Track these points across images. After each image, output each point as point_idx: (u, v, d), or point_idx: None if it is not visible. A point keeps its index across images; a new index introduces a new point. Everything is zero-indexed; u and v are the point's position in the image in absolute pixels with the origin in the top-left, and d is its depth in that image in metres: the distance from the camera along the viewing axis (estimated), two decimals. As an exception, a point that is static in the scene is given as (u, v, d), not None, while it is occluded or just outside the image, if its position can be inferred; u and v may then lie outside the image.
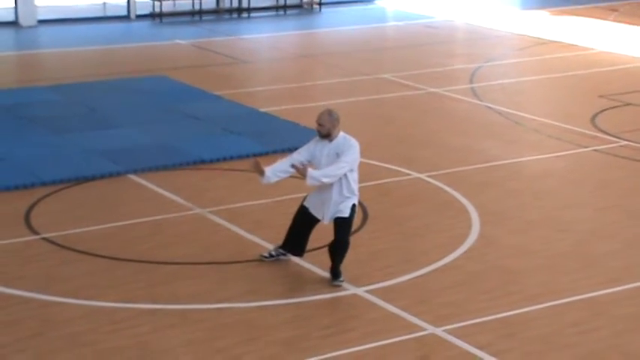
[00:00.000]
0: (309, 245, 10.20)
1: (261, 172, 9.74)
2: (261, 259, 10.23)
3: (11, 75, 19.76)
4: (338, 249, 9.87)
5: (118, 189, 12.75)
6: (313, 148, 9.80)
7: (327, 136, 9.70)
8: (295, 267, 10.27)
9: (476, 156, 14.23)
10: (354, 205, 9.84)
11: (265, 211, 11.79)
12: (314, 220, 9.93)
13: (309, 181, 9.59)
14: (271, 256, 10.24)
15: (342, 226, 9.81)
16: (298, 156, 9.81)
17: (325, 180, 9.58)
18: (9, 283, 9.85)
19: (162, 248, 10.82)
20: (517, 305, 9.57)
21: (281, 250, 10.20)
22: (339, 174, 9.60)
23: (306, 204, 9.95)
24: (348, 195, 9.74)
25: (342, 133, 9.76)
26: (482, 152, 14.42)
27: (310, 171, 9.57)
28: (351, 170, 9.69)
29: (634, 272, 10.39)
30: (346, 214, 9.78)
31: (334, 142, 9.71)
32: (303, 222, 9.97)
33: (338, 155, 9.64)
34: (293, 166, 9.67)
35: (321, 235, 10.05)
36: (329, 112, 9.74)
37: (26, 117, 15.71)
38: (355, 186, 9.81)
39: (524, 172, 13.74)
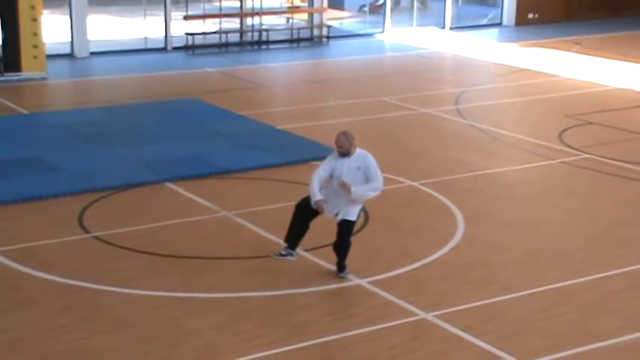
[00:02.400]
0: (319, 242, 10.16)
1: (324, 203, 9.50)
2: (272, 256, 9.88)
3: (68, 98, 19.81)
4: (342, 248, 9.78)
5: (156, 195, 12.74)
6: (334, 163, 9.61)
7: (346, 154, 9.58)
8: (306, 261, 10.23)
9: (461, 167, 14.19)
10: (360, 210, 9.77)
11: (282, 214, 11.71)
12: (318, 212, 9.67)
13: (353, 196, 9.44)
14: (281, 255, 9.83)
15: (347, 228, 9.69)
16: (323, 172, 9.62)
17: (371, 194, 9.53)
18: (66, 275, 9.86)
19: (193, 245, 10.81)
20: (496, 294, 9.53)
21: (290, 251, 9.77)
22: (380, 187, 9.55)
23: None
24: (359, 201, 9.67)
25: (359, 149, 9.64)
26: (466, 163, 14.38)
27: (355, 189, 9.40)
28: None
29: (596, 265, 10.34)
30: (354, 217, 9.67)
31: (353, 157, 9.56)
32: (308, 211, 9.64)
33: (359, 168, 9.50)
34: (341, 184, 9.43)
35: (328, 234, 9.99)
36: (345, 134, 9.58)
37: (80, 134, 15.73)
38: None
39: (502, 180, 13.69)
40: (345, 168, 9.55)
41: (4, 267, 10.13)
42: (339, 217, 9.66)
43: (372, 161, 9.58)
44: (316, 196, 9.51)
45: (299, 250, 10.05)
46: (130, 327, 8.68)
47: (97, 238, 11.03)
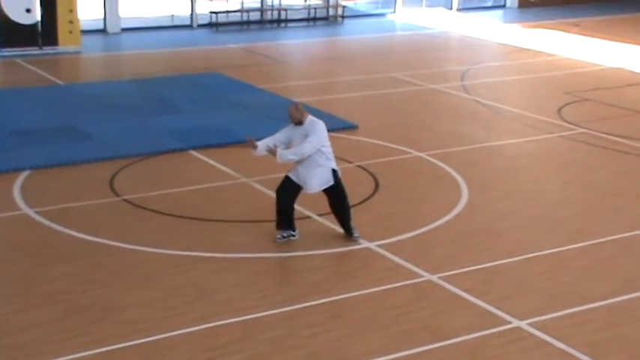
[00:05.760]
0: (329, 208, 10.08)
1: (255, 146, 9.54)
2: (276, 241, 9.65)
3: (100, 71, 19.79)
4: (342, 210, 9.71)
5: (181, 162, 12.74)
6: (291, 131, 9.57)
7: (299, 123, 9.51)
8: (320, 225, 10.21)
9: (465, 139, 14.10)
10: (334, 171, 9.57)
11: (297, 181, 11.72)
12: (297, 189, 9.60)
13: (278, 160, 9.41)
14: (283, 237, 9.69)
15: (335, 192, 9.61)
16: (280, 135, 9.61)
17: (292, 157, 9.38)
18: (97, 234, 9.88)
19: (215, 209, 10.80)
20: (495, 258, 9.50)
21: (290, 232, 9.68)
22: (304, 152, 9.36)
23: (290, 174, 9.65)
24: (322, 164, 9.47)
25: (310, 117, 9.54)
26: (470, 136, 14.29)
27: (279, 151, 9.39)
28: (323, 145, 9.45)
29: (589, 233, 10.29)
30: (332, 182, 9.56)
31: (304, 125, 9.49)
32: (288, 191, 9.59)
33: (305, 136, 9.42)
34: (268, 149, 9.49)
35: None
36: (295, 106, 9.58)
37: (111, 104, 15.72)
38: (329, 156, 9.54)
39: (503, 152, 13.60)
40: (297, 136, 9.50)
41: (42, 226, 10.17)
42: (316, 186, 9.52)
43: (315, 129, 9.42)
44: (259, 143, 9.52)
45: (314, 217, 10.04)
46: (157, 283, 8.70)
47: (126, 200, 11.04)
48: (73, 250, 9.49)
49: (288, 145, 9.60)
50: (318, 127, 9.46)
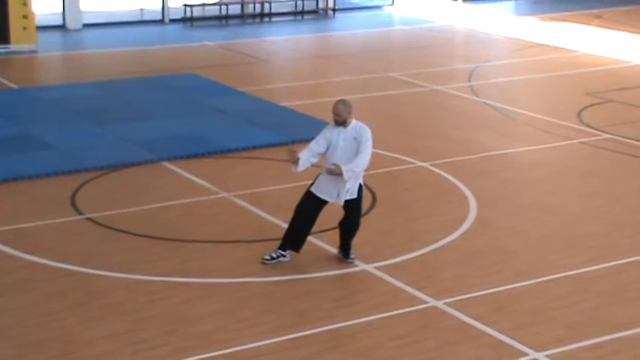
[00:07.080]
0: (322, 226, 10.15)
1: (296, 161, 9.54)
2: (264, 262, 9.72)
3: (59, 72, 19.81)
4: (351, 229, 9.78)
5: (152, 175, 12.76)
6: (330, 134, 9.61)
7: (343, 123, 9.59)
8: (311, 246, 10.22)
9: (473, 147, 14.18)
10: (360, 186, 9.71)
11: (285, 195, 11.77)
12: (322, 205, 9.66)
13: (347, 175, 9.39)
14: (272, 258, 9.73)
15: (354, 207, 9.70)
16: (316, 145, 9.61)
17: (358, 170, 9.45)
18: (57, 258, 9.88)
19: (192, 228, 10.83)
20: (508, 281, 9.54)
21: (280, 252, 9.74)
22: (368, 160, 9.51)
23: (313, 190, 9.66)
24: (358, 175, 9.61)
25: (354, 120, 9.65)
26: (479, 144, 14.37)
27: (344, 167, 9.38)
28: None
29: (613, 252, 10.34)
30: (355, 195, 9.65)
31: (350, 127, 9.55)
32: (311, 208, 9.65)
33: (355, 139, 9.50)
34: (329, 170, 9.47)
35: (333, 217, 9.99)
36: (343, 102, 9.60)
37: (72, 110, 15.74)
38: None
39: (516, 161, 13.68)
40: (342, 139, 9.54)
41: (-7, 249, 10.18)
42: (343, 199, 9.62)
43: (367, 133, 9.55)
44: (298, 159, 9.47)
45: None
46: (126, 313, 8.71)
47: (90, 219, 11.05)
48: (29, 277, 9.48)
49: (327, 152, 9.59)
50: (368, 133, 9.56)
